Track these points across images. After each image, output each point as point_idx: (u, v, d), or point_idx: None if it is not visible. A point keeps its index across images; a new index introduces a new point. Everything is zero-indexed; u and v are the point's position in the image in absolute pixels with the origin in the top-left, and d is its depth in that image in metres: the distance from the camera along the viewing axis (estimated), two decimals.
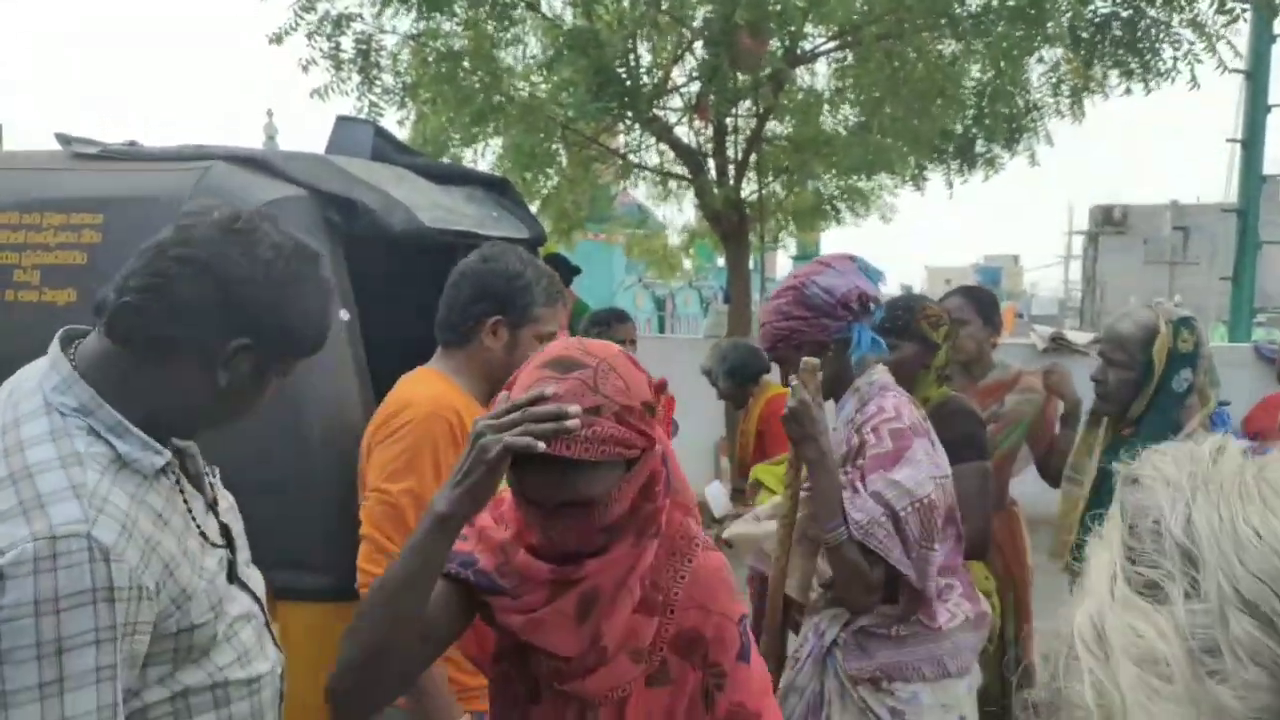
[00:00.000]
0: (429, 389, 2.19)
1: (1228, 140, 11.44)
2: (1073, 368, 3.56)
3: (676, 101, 6.90)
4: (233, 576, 1.47)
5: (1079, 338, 7.99)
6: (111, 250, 2.31)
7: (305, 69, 6.26)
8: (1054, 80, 6.47)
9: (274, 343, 1.38)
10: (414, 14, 6.12)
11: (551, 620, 1.36)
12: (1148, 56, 5.86)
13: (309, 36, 6.21)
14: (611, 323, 4.51)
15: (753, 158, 6.75)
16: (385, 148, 3.20)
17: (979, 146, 7.00)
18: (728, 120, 6.57)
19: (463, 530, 1.35)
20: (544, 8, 6.56)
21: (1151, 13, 5.84)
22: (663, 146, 7.25)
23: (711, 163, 6.82)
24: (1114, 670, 0.50)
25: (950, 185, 7.32)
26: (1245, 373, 6.54)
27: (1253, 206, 11.02)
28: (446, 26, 6.33)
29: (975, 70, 6.41)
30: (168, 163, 2.64)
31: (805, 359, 2.13)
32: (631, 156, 7.44)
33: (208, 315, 1.32)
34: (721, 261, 10.65)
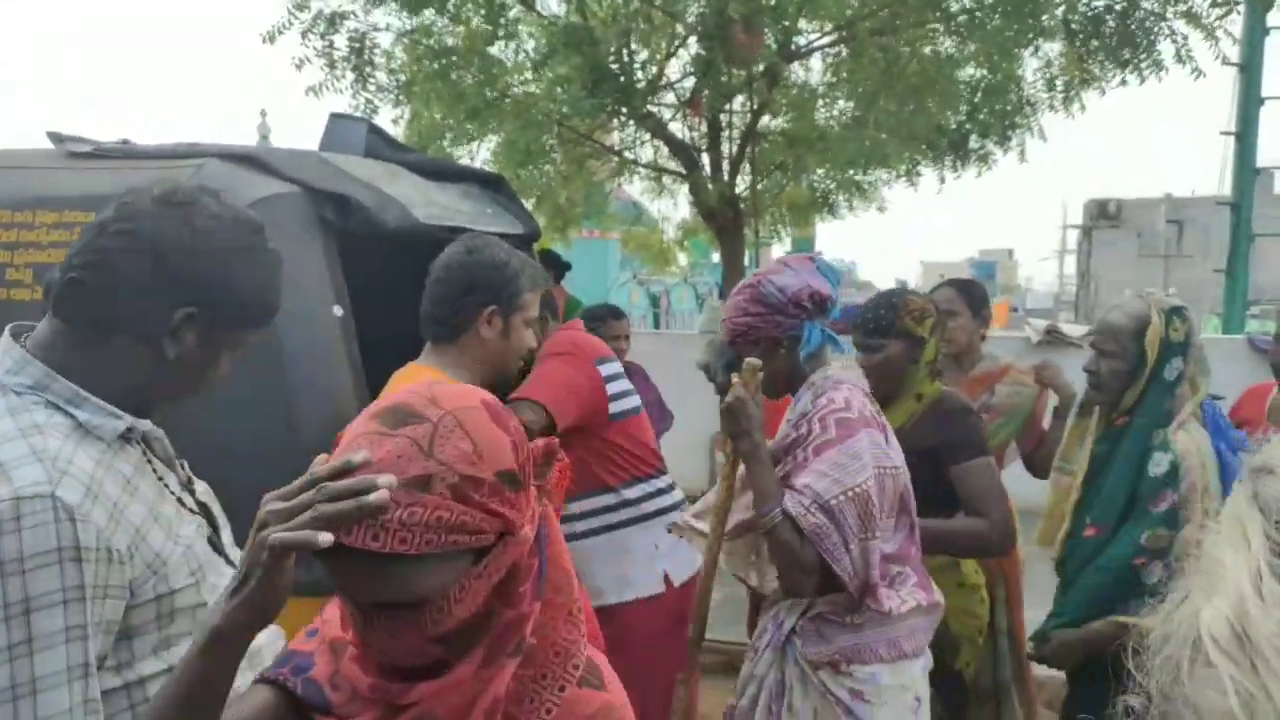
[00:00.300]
0: None
1: (1222, 133, 11.47)
2: (1068, 360, 3.57)
3: (671, 97, 6.89)
4: (218, 550, 1.47)
5: (1074, 330, 7.99)
6: None
7: (299, 67, 6.26)
8: (1048, 76, 6.47)
9: (219, 311, 1.38)
10: (404, 11, 6.11)
11: None
12: (1142, 52, 5.86)
13: (303, 35, 6.21)
14: (606, 319, 4.52)
15: (747, 153, 6.75)
16: (379, 144, 3.20)
17: (973, 142, 7.00)
18: (722, 116, 6.56)
19: (314, 621, 1.10)
20: (538, 5, 6.55)
21: (1146, 5, 5.84)
22: (657, 142, 7.24)
23: (706, 158, 6.81)
24: (1265, 678, 0.45)
25: (943, 180, 7.33)
26: (1239, 364, 6.56)
27: (1246, 199, 11.04)
28: (439, 24, 6.33)
29: (969, 66, 6.42)
30: (161, 161, 2.63)
31: (748, 359, 2.23)
32: (626, 153, 7.44)
33: (149, 287, 1.33)
34: (716, 257, 10.64)
